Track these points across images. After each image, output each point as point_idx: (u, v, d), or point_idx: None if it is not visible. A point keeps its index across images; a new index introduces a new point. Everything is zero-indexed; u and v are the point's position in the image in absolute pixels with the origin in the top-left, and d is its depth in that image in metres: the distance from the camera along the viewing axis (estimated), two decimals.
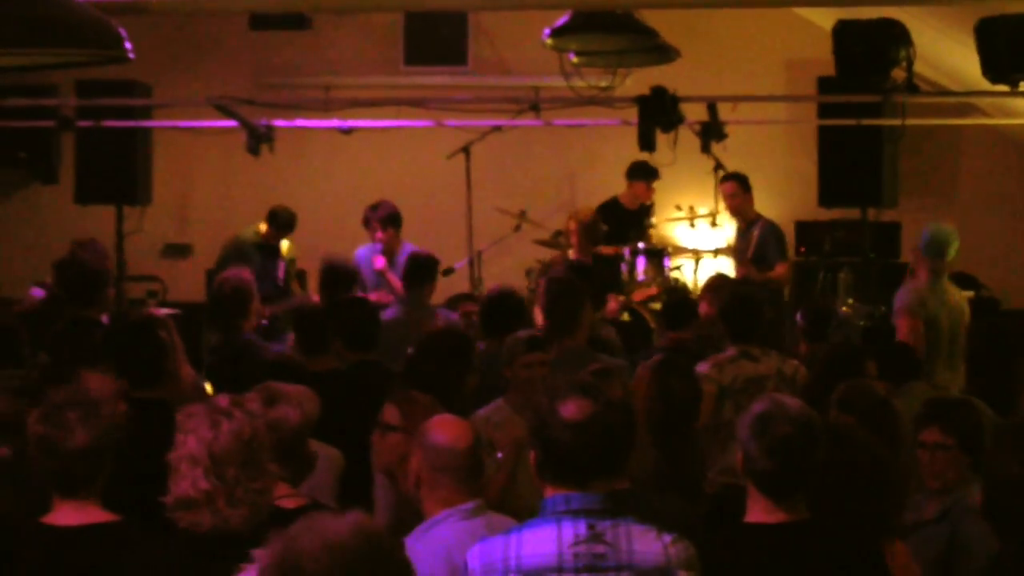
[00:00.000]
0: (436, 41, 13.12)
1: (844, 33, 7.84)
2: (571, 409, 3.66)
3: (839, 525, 4.09)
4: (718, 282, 9.15)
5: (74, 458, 3.94)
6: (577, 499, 3.65)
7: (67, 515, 3.98)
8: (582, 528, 3.62)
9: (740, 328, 7.16)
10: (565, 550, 3.60)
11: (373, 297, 9.81)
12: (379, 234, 10.07)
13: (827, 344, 7.63)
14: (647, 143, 8.99)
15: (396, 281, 9.84)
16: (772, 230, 10.65)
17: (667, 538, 3.66)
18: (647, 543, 3.63)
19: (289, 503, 4.30)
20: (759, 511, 3.98)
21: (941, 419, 5.00)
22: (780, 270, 10.51)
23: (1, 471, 4.65)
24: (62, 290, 8.05)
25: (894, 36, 7.75)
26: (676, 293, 9.15)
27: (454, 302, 9.68)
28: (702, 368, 6.89)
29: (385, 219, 10.05)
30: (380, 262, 9.99)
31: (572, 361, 6.15)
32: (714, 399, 6.78)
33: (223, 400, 3.85)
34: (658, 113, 8.73)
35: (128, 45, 3.83)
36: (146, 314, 7.46)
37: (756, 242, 10.57)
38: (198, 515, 3.67)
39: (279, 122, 9.99)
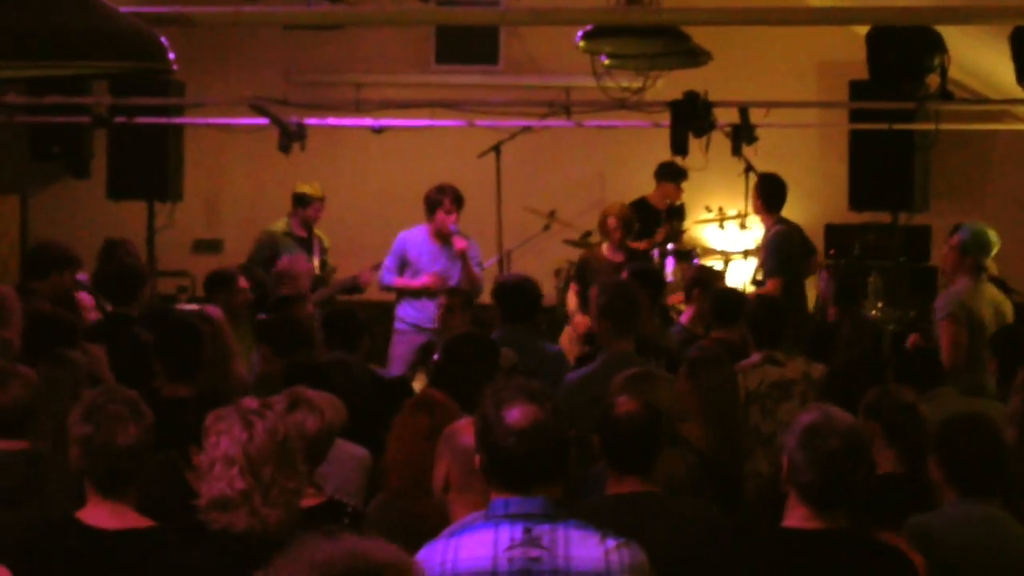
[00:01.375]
0: (468, 40, 13.13)
1: (878, 40, 7.78)
2: (515, 415, 3.64)
3: (871, 533, 4.10)
4: (705, 276, 9.11)
5: (123, 456, 3.97)
6: (516, 503, 3.64)
7: (104, 516, 4.00)
8: (518, 532, 3.61)
9: (765, 334, 7.12)
10: (500, 554, 3.58)
11: (425, 280, 9.81)
12: (454, 215, 9.85)
13: (843, 353, 7.57)
14: (679, 147, 9.00)
15: (474, 265, 9.89)
16: (774, 241, 10.13)
17: (610, 543, 3.62)
18: (586, 548, 3.60)
19: (307, 501, 4.30)
20: (798, 517, 3.99)
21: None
22: (769, 287, 9.89)
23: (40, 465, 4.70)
24: (100, 287, 8.18)
25: (928, 43, 7.70)
26: (725, 289, 8.97)
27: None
28: None
29: (458, 199, 9.91)
30: (462, 242, 9.90)
31: (617, 365, 6.15)
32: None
33: (252, 402, 3.87)
34: (691, 118, 8.73)
35: (171, 56, 3.85)
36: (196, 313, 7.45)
37: (762, 253, 10.34)
38: (234, 516, 3.68)
39: (311, 120, 10.01)
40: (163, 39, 3.85)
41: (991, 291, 7.90)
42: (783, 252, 10.08)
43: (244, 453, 3.69)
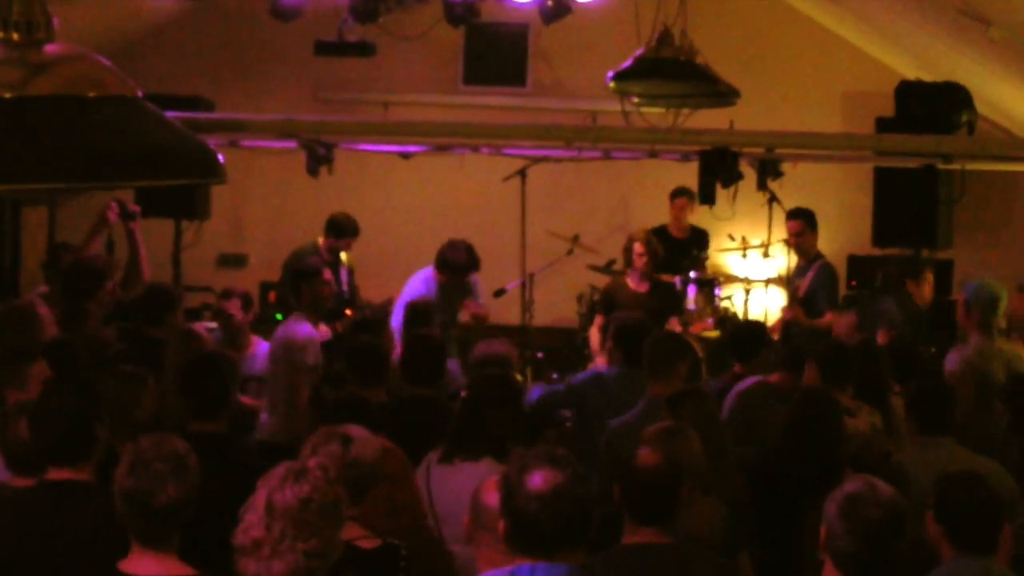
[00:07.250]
0: (496, 61, 13.19)
1: (906, 94, 7.78)
2: (537, 480, 3.66)
3: None
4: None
5: (160, 513, 4.05)
6: (542, 569, 3.65)
7: (147, 565, 4.07)
8: None
9: (834, 376, 6.87)
10: None
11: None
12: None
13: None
14: (707, 197, 9.04)
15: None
16: (828, 273, 10.43)
17: None
18: None
19: (365, 544, 4.48)
20: None
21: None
22: (829, 318, 10.06)
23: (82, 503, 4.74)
24: (130, 310, 8.24)
25: (957, 100, 7.68)
26: (746, 322, 8.93)
27: None
28: None
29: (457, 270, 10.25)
30: (477, 308, 10.34)
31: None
32: None
33: (312, 461, 3.96)
34: (719, 169, 8.79)
35: (221, 159, 3.91)
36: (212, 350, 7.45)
37: (809, 283, 10.40)
38: (247, 561, 3.78)
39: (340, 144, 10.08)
40: (213, 147, 3.92)
41: (1004, 346, 7.73)
42: (836, 285, 10.43)
43: (266, 504, 3.79)
